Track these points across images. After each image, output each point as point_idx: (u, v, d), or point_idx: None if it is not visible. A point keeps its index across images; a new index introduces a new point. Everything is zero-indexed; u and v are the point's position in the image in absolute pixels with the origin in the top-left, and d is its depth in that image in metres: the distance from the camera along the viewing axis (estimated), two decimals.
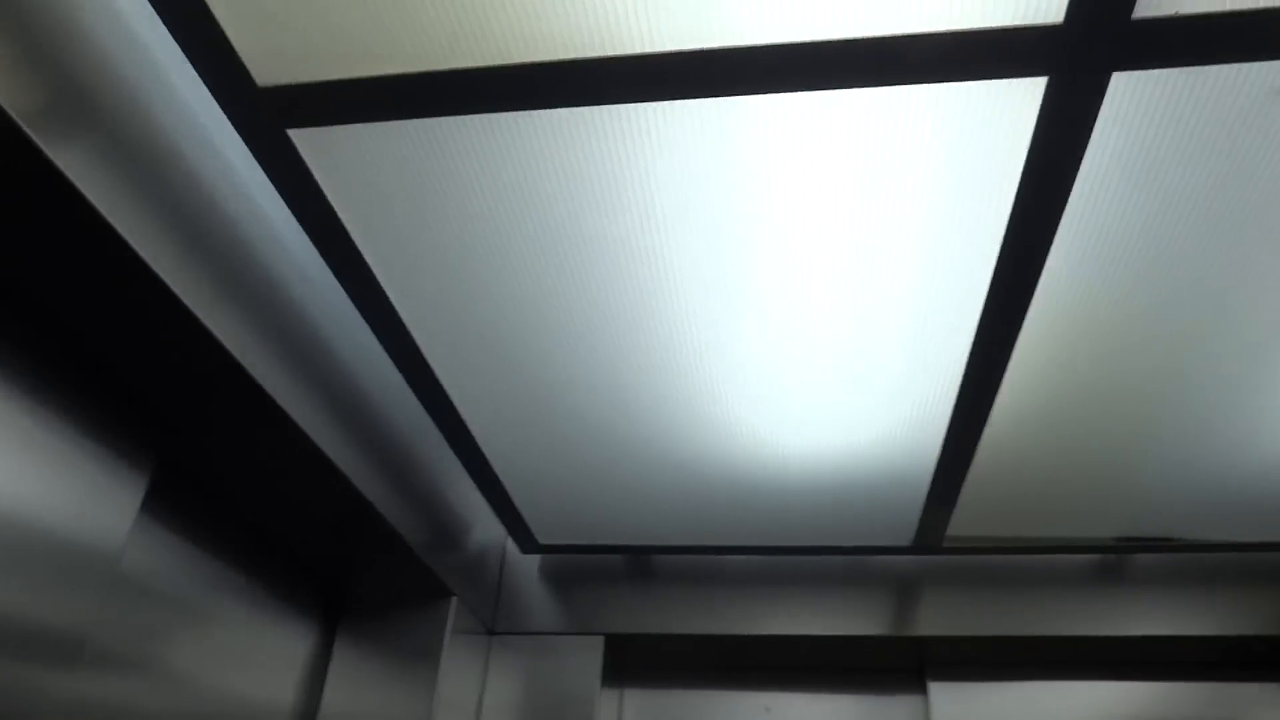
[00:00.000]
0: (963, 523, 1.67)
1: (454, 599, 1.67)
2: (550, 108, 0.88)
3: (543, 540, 1.82)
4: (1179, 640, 1.77)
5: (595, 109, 0.89)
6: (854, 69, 0.83)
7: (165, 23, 0.81)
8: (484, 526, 1.86)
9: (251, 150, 0.91)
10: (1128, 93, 0.84)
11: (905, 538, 1.73)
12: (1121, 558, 1.82)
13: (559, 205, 0.99)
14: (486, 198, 0.99)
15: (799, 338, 1.18)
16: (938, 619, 1.83)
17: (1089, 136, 0.88)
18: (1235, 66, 0.82)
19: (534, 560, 1.97)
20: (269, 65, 0.83)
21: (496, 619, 1.89)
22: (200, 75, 0.83)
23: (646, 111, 0.89)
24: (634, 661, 1.97)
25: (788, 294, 1.11)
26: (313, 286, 1.20)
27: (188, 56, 0.82)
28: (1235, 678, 1.85)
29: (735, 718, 1.94)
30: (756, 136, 0.91)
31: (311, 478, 1.27)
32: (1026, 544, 1.77)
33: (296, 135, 0.90)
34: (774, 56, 0.81)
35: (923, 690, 1.91)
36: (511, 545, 1.94)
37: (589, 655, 1.84)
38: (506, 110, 0.89)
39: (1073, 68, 0.81)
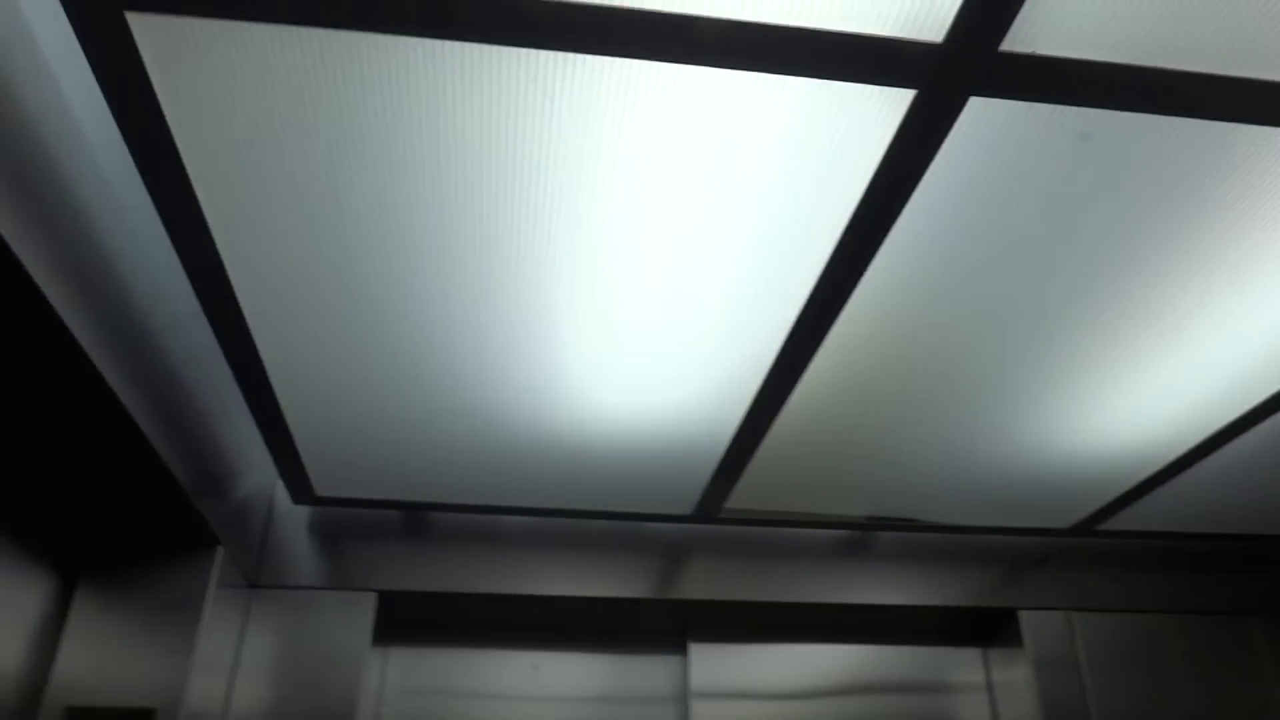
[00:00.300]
0: (740, 496, 1.78)
1: (220, 548, 1.54)
2: (418, 36, 0.83)
3: (320, 491, 1.73)
4: (907, 609, 1.99)
5: (463, 45, 0.85)
6: (736, 50, 0.85)
7: None
8: (255, 472, 1.73)
9: (78, 31, 0.78)
10: (977, 117, 0.92)
11: (686, 508, 1.82)
12: (868, 534, 2.02)
13: (405, 138, 0.94)
14: (330, 119, 0.91)
15: (631, 303, 1.20)
16: (702, 584, 1.94)
17: (936, 153, 0.96)
18: (1061, 108, 0.93)
19: (303, 512, 1.86)
20: None
21: (260, 572, 1.77)
22: None
23: (519, 57, 0.86)
24: (402, 619, 1.92)
25: (627, 260, 1.12)
26: (109, 190, 1.06)
27: None
28: (948, 643, 2.12)
29: (502, 676, 1.95)
30: (623, 103, 0.90)
31: (72, 393, 1.12)
32: (791, 518, 1.91)
33: (135, 20, 0.78)
34: (657, 23, 0.81)
35: (683, 650, 2.02)
36: (281, 494, 1.82)
37: (359, 612, 1.77)
38: (369, 30, 0.83)
39: (941, 85, 0.87)
